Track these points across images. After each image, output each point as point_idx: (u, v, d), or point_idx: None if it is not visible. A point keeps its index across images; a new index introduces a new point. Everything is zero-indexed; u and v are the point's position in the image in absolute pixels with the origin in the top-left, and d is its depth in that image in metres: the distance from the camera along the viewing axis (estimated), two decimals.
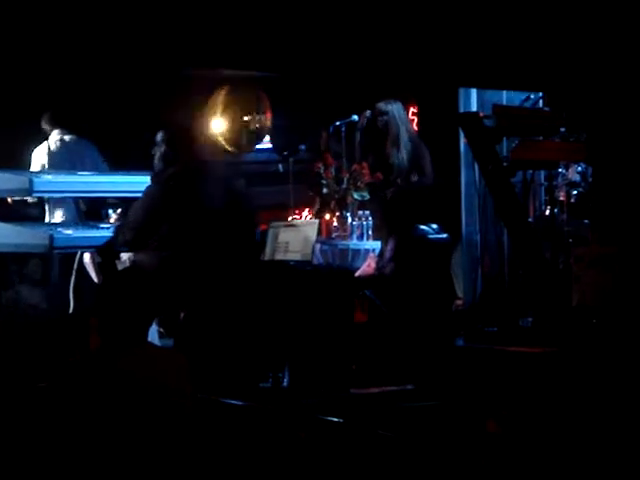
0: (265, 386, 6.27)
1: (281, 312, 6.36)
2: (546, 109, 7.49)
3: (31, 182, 6.59)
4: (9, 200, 7.48)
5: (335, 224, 7.53)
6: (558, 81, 7.16)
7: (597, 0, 6.72)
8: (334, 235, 7.47)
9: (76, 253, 7.34)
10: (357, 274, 7.02)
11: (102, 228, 6.68)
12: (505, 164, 6.98)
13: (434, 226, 7.36)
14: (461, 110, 7.82)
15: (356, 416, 5.27)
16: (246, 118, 9.96)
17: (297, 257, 6.63)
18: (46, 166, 7.69)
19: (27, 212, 7.61)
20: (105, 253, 6.66)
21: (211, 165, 6.46)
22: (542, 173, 7.34)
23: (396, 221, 7.29)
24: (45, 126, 7.88)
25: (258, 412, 4.78)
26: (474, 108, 7.75)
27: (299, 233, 6.72)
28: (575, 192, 7.17)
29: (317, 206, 7.59)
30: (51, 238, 6.36)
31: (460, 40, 6.84)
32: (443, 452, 4.40)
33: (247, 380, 6.12)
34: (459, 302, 7.83)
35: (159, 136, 6.29)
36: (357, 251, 7.30)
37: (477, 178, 7.27)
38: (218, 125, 9.89)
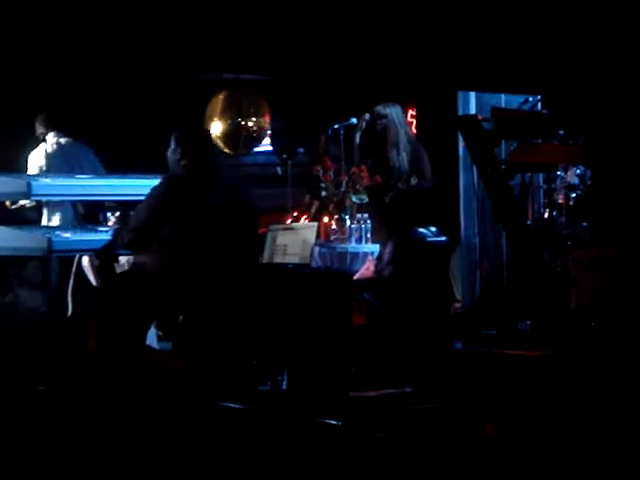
0: (264, 389, 6.27)
1: (280, 315, 6.35)
2: (544, 112, 7.50)
3: (29, 185, 6.58)
4: (7, 203, 7.47)
5: (334, 227, 7.54)
6: (556, 84, 7.17)
7: (595, 3, 6.73)
8: (333, 238, 7.48)
9: (74, 256, 7.33)
10: (356, 277, 7.02)
11: (100, 231, 6.67)
12: (504, 167, 6.98)
13: (433, 229, 7.36)
14: (460, 113, 7.83)
15: (355, 419, 5.27)
16: (244, 121, 9.97)
17: (296, 260, 6.62)
18: (44, 169, 7.68)
19: (25, 215, 7.61)
20: (103, 256, 6.65)
21: (218, 166, 6.45)
22: (541, 176, 7.35)
23: (395, 224, 7.29)
24: (39, 129, 7.84)
25: (257, 415, 4.78)
26: (473, 111, 7.76)
27: (297, 236, 6.72)
28: (574, 195, 7.18)
29: (314, 210, 7.60)
30: (49, 241, 6.35)
31: (459, 43, 6.84)
32: (442, 455, 4.40)
33: (246, 383, 6.12)
34: (458, 305, 7.84)
35: (174, 137, 6.22)
36: (356, 254, 7.31)
37: (476, 181, 7.27)
38: (216, 127, 9.91)
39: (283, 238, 6.75)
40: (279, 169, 8.38)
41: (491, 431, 4.81)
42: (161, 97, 9.27)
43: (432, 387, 6.17)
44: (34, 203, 7.53)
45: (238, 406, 4.88)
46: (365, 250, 7.31)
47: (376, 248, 7.25)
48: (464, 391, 5.98)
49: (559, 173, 7.13)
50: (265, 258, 6.78)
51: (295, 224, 7.48)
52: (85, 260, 7.42)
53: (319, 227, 7.11)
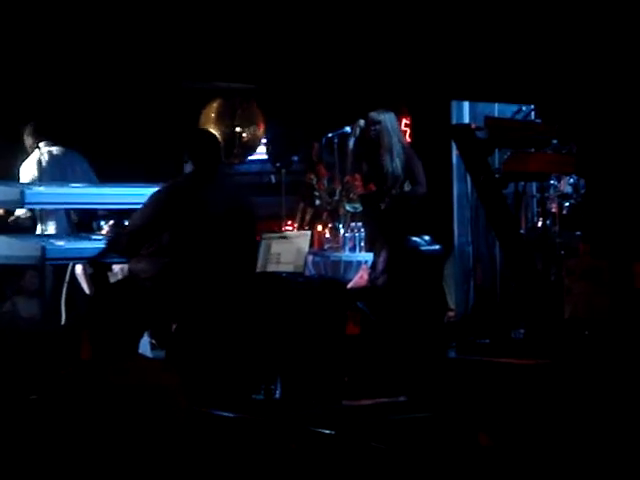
0: (257, 398, 6.26)
1: (273, 323, 6.35)
2: (538, 121, 7.51)
3: (23, 194, 6.56)
4: (1, 211, 7.45)
5: (327, 236, 7.55)
6: (550, 93, 7.19)
7: (588, 14, 6.75)
8: (326, 247, 7.49)
9: (68, 265, 7.32)
10: (349, 286, 7.03)
11: (94, 240, 6.66)
12: (497, 176, 6.98)
13: (426, 238, 7.37)
14: (453, 122, 7.84)
15: (348, 428, 5.26)
16: (238, 129, 9.97)
17: (289, 268, 6.62)
18: (36, 179, 7.63)
19: (18, 223, 7.58)
20: (97, 264, 6.64)
21: (221, 172, 6.43)
22: (534, 185, 7.36)
23: (389, 232, 7.30)
24: (28, 140, 7.78)
25: (250, 424, 4.77)
26: (466, 120, 7.77)
27: (291, 245, 6.72)
28: (567, 204, 7.20)
29: (307, 217, 7.60)
30: (43, 249, 6.34)
31: (453, 53, 6.86)
32: (435, 464, 4.39)
33: (239, 392, 6.10)
34: (451, 314, 7.84)
35: (187, 144, 6.20)
36: (349, 263, 7.31)
37: (469, 190, 7.28)
38: None
39: (277, 246, 6.75)
40: (273, 177, 8.39)
41: (484, 441, 4.80)
42: (155, 105, 9.26)
43: (426, 396, 6.17)
44: (29, 214, 7.50)
45: (231, 415, 4.86)
46: (359, 259, 7.32)
47: (370, 257, 7.26)
48: (458, 400, 5.97)
49: (552, 182, 7.15)
50: (259, 266, 6.78)
51: (289, 233, 7.48)
52: (79, 268, 7.41)
53: (313, 236, 7.11)
